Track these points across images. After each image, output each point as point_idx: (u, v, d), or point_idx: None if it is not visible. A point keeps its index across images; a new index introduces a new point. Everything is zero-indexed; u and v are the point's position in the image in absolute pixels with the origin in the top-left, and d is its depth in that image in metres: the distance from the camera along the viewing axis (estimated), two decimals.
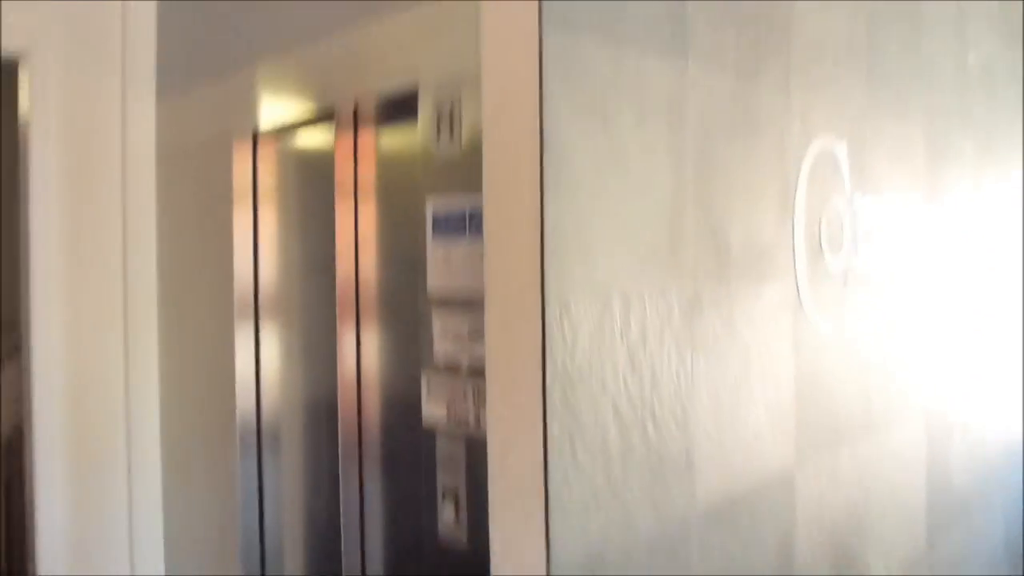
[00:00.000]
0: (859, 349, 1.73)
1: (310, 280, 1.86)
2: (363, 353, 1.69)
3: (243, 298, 1.93)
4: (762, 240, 1.46)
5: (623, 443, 1.20)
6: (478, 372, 1.31)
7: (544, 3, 1.10)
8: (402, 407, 1.62)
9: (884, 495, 1.83)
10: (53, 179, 2.02)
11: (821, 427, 1.62)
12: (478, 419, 1.32)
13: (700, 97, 1.33)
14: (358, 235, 1.71)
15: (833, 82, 1.63)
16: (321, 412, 1.81)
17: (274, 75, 1.79)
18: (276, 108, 1.79)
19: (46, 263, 2.02)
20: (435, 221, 1.39)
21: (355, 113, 1.71)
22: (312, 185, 1.87)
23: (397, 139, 1.67)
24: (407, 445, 1.55)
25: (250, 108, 1.85)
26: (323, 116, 1.71)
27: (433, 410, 1.40)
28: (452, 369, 1.36)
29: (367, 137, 1.72)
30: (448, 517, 1.38)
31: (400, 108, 1.60)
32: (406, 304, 1.58)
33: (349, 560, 1.70)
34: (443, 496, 1.39)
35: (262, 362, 1.94)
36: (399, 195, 1.65)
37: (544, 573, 1.10)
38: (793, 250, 1.53)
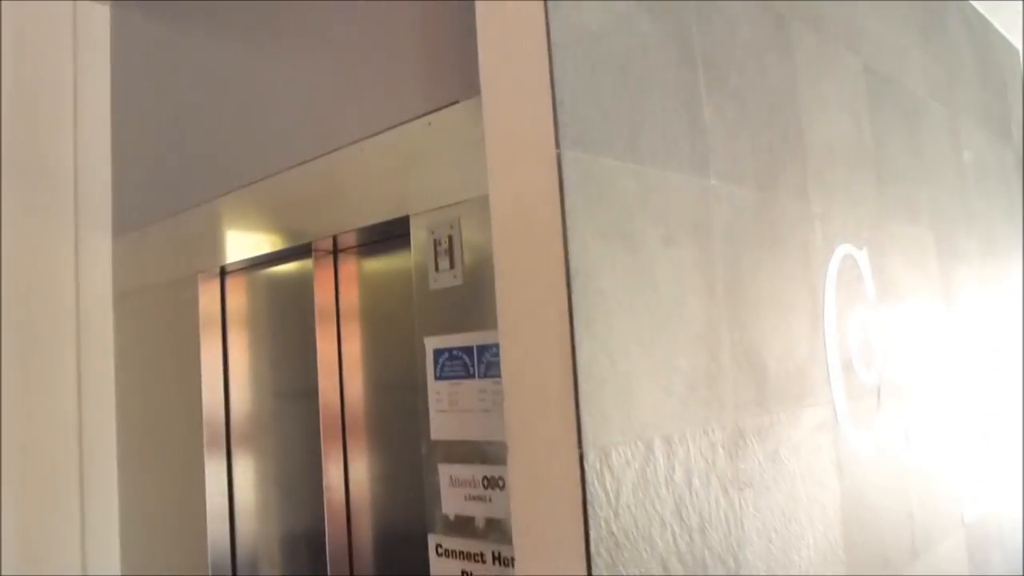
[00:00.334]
0: (897, 466, 1.59)
1: (286, 409, 1.69)
2: (352, 487, 1.51)
3: (213, 431, 1.75)
4: (797, 358, 1.33)
5: None
6: (498, 529, 1.14)
7: (560, 118, 0.99)
8: (400, 552, 1.44)
9: None
10: (4, 323, 1.85)
11: (870, 557, 1.46)
12: None
13: (724, 211, 1.22)
14: (342, 362, 1.56)
15: (847, 187, 1.55)
16: (305, 546, 1.61)
17: (241, 210, 1.66)
18: (244, 244, 1.65)
19: None
20: (438, 362, 1.24)
21: (334, 246, 1.59)
22: (287, 315, 1.72)
23: (384, 270, 1.54)
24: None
25: (215, 244, 1.72)
26: (298, 251, 1.57)
27: (444, 571, 1.22)
28: (465, 525, 1.19)
29: (349, 269, 1.59)
30: None
31: (386, 237, 1.48)
32: (402, 441, 1.42)
33: None
34: None
35: (235, 494, 1.74)
36: (388, 326, 1.51)
37: None
38: (827, 367, 1.41)
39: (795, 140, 1.42)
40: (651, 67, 1.14)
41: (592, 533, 0.94)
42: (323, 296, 1.57)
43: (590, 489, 0.95)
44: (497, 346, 1.15)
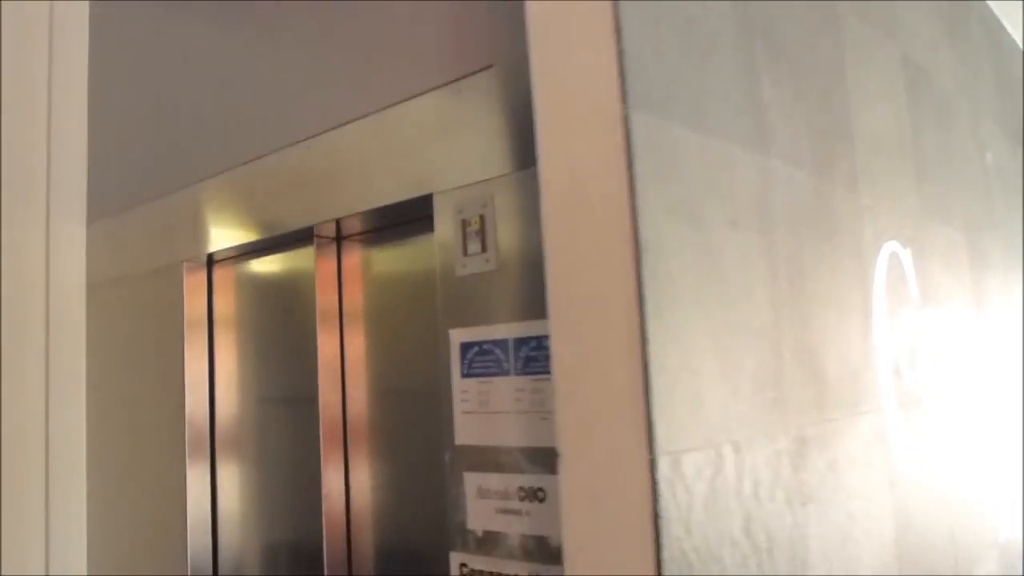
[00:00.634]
0: (940, 481, 1.48)
1: (280, 415, 1.54)
2: (353, 502, 1.37)
3: (196, 437, 1.59)
4: (852, 361, 1.22)
5: None
6: (537, 548, 1.01)
7: (627, 71, 0.87)
8: (410, 570, 1.30)
9: None
10: None
11: None
12: None
13: (785, 195, 1.11)
14: (344, 365, 1.42)
15: (891, 181, 1.45)
16: (298, 560, 1.46)
17: (232, 193, 1.52)
18: (235, 230, 1.51)
19: None
20: (465, 357, 1.11)
21: (338, 232, 1.45)
22: (284, 310, 1.57)
23: (397, 258, 1.41)
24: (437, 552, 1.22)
25: (202, 231, 1.57)
26: (297, 238, 1.43)
27: None
28: (496, 542, 1.05)
29: (355, 257, 1.45)
30: None
31: (401, 221, 1.34)
32: (412, 450, 1.29)
33: None
34: None
35: (219, 502, 1.59)
36: (400, 322, 1.37)
37: None
38: (877, 372, 1.30)
39: (844, 126, 1.32)
40: (713, 29, 1.02)
41: (664, 553, 0.81)
42: (325, 288, 1.43)
43: (662, 502, 0.82)
44: (538, 339, 1.02)
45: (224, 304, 1.65)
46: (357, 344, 1.43)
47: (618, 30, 0.86)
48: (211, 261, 1.64)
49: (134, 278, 1.74)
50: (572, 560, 0.88)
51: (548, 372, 1.02)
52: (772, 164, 1.09)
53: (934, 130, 1.70)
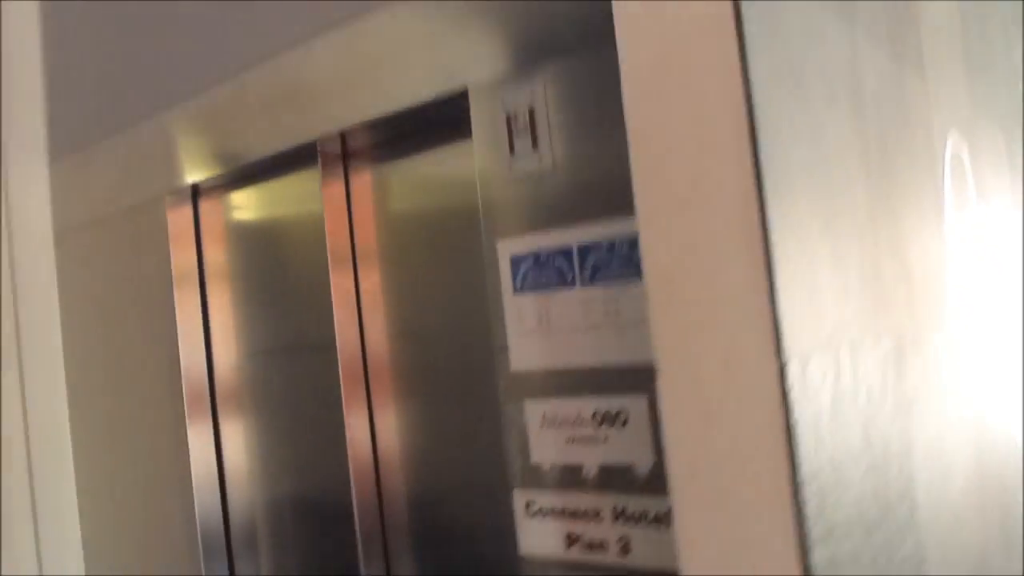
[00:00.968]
0: (999, 394, 1.40)
1: (288, 363, 1.40)
2: (380, 445, 1.25)
3: (194, 389, 1.45)
4: (931, 263, 1.12)
5: (873, 557, 0.81)
6: (620, 478, 0.89)
7: None
8: (469, 518, 1.18)
9: None
10: None
11: (997, 506, 1.27)
12: (627, 547, 0.90)
13: (870, 76, 0.99)
14: (361, 302, 1.29)
15: (949, 68, 1.34)
16: (322, 510, 1.35)
17: (216, 113, 1.35)
18: (222, 154, 1.35)
19: None
20: (519, 271, 0.98)
21: (343, 147, 1.30)
22: (283, 246, 1.42)
23: (415, 174, 1.26)
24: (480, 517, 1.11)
25: (183, 158, 1.40)
26: (297, 156, 1.28)
27: (537, 540, 0.97)
28: (568, 476, 0.94)
29: (367, 175, 1.31)
30: None
31: (424, 127, 1.20)
32: (444, 385, 1.17)
33: None
34: None
35: (226, 458, 1.46)
36: (424, 247, 1.23)
37: None
38: (951, 275, 1.20)
39: (912, 10, 1.19)
40: None
41: (801, 472, 0.70)
42: (335, 215, 1.28)
43: (795, 413, 0.71)
44: (609, 243, 0.89)
45: (214, 242, 1.50)
46: (374, 278, 1.29)
47: None
48: (196, 193, 1.48)
49: (109, 219, 1.57)
50: (682, 488, 0.76)
51: (621, 279, 0.90)
52: (858, 39, 0.96)
53: (972, 19, 1.58)
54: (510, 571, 1.07)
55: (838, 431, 0.78)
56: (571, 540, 0.94)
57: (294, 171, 1.37)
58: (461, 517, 1.17)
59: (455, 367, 1.16)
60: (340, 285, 1.26)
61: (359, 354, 1.27)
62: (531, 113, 0.96)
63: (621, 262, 0.89)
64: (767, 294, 0.71)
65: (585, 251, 0.92)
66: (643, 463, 0.88)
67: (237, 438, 1.47)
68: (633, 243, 0.88)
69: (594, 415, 0.92)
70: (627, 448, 0.89)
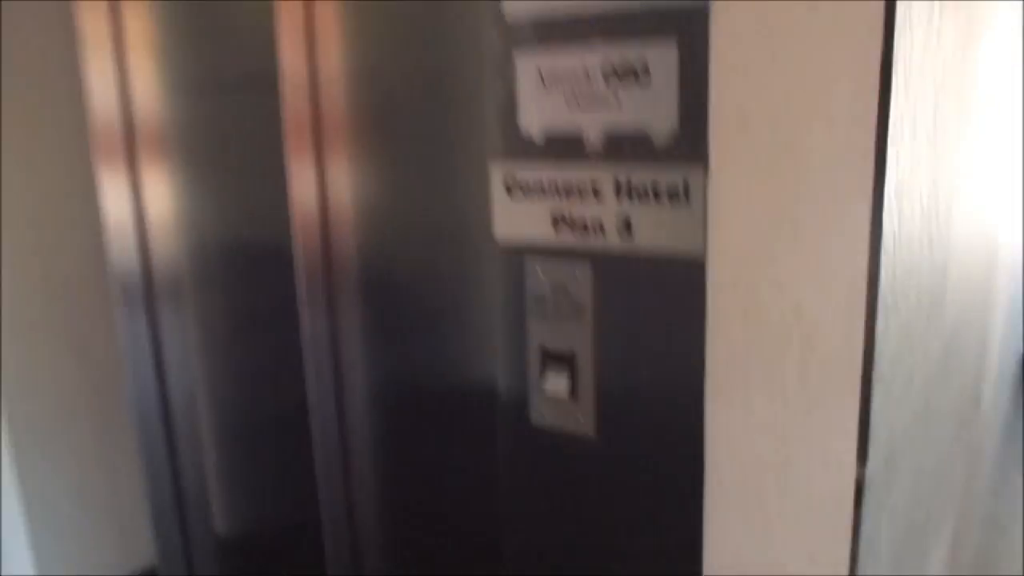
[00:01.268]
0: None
1: (224, 102, 1.18)
2: (330, 197, 1.07)
3: (105, 129, 1.22)
4: None
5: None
6: (632, 146, 0.75)
7: None
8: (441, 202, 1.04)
9: None
10: None
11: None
12: (628, 227, 0.78)
13: None
14: (313, 30, 1.04)
15: None
16: (260, 261, 1.19)
17: None
18: None
19: None
20: None
21: None
22: None
23: None
24: (452, 269, 0.99)
25: None
26: None
27: (517, 222, 0.84)
28: (562, 146, 0.79)
29: None
30: (556, 388, 0.85)
31: None
32: (418, 122, 0.98)
33: (326, 436, 1.15)
34: (545, 361, 0.86)
35: (147, 207, 1.26)
36: None
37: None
38: None
39: None
40: None
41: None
42: None
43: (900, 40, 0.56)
44: None
45: None
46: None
47: None
48: None
49: None
50: (720, 159, 0.63)
51: None
52: None
53: None
54: (466, 311, 0.95)
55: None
56: (560, 222, 0.81)
57: None
58: (417, 268, 1.03)
59: (422, 108, 0.97)
60: (288, 9, 1.01)
61: (308, 93, 1.04)
62: None
63: None
64: None
65: None
66: (661, 128, 0.74)
67: (161, 184, 1.26)
68: None
69: (604, 69, 0.76)
70: (642, 110, 0.74)
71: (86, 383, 1.52)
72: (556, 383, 0.85)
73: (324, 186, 1.06)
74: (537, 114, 0.80)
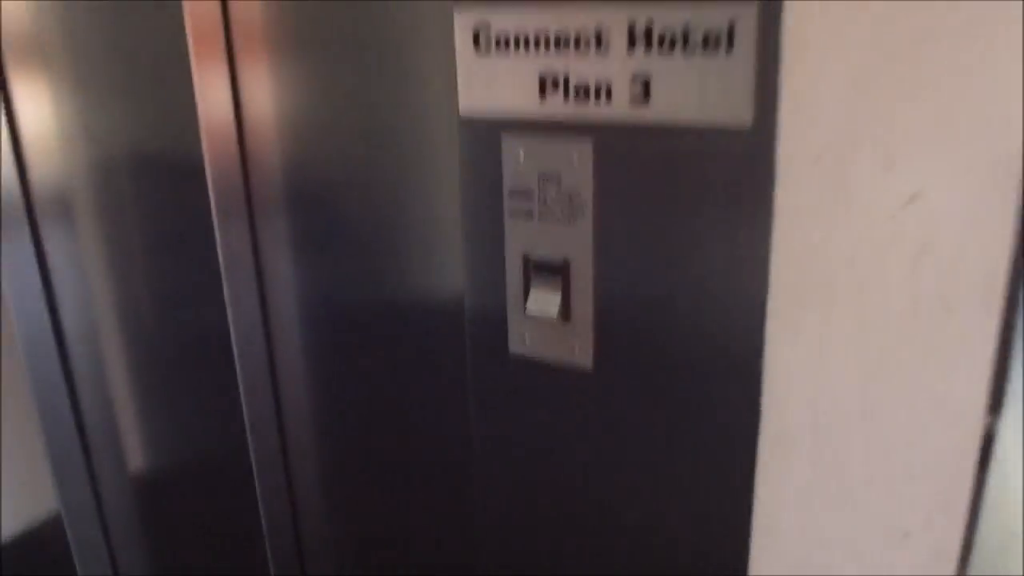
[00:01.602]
0: None
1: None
2: (245, 108, 0.82)
3: None
4: None
5: None
6: None
7: None
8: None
9: None
10: None
11: None
12: (645, 90, 0.57)
13: None
14: None
15: None
16: (164, 174, 0.95)
17: None
18: None
19: None
20: None
21: None
22: None
23: None
24: (401, 162, 0.77)
25: None
26: None
27: (490, 91, 0.63)
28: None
29: None
30: (543, 308, 0.66)
31: None
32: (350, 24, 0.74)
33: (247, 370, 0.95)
34: (529, 273, 0.66)
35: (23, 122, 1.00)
36: None
37: None
38: None
39: None
40: None
41: None
42: None
43: None
44: None
45: None
46: None
47: None
48: None
49: None
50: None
51: None
52: None
53: None
54: (422, 213, 0.74)
55: None
56: (550, 86, 0.60)
57: None
58: (358, 166, 0.79)
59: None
60: None
61: None
62: None
63: None
64: None
65: None
66: None
67: (39, 96, 0.99)
68: None
69: None
70: None
71: None
72: (543, 301, 0.65)
73: (237, 88, 0.83)
74: None
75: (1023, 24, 0.42)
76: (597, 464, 0.66)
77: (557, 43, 0.59)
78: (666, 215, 0.59)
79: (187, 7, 0.78)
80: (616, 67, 0.57)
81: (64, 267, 1.06)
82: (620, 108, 0.58)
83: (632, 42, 0.56)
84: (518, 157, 0.63)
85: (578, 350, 0.65)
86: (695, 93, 0.55)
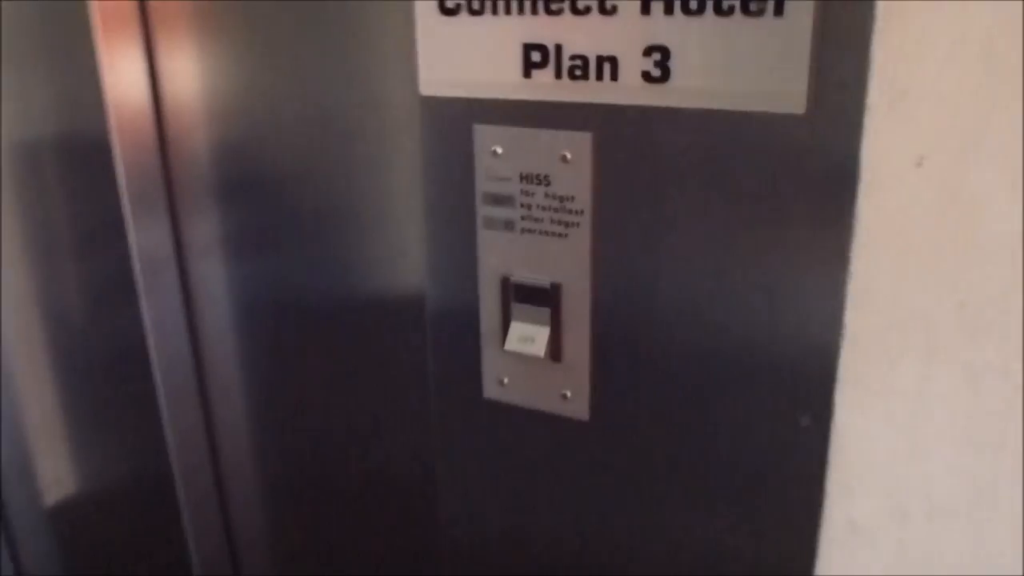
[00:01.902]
0: None
1: None
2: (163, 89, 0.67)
3: None
4: None
5: None
6: None
7: None
8: None
9: None
10: None
11: None
12: (663, 65, 0.43)
13: None
14: None
15: None
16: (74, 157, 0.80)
17: None
18: None
19: None
20: None
21: None
22: None
23: None
24: (345, 153, 0.63)
25: None
26: None
27: (451, 61, 0.48)
28: None
29: None
30: (527, 344, 0.52)
31: None
32: None
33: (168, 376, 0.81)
34: (509, 299, 0.52)
35: None
36: None
37: None
38: None
39: None
40: None
41: None
42: None
43: None
44: None
45: None
46: None
47: None
48: None
49: None
50: None
51: None
52: None
53: None
54: (374, 217, 0.59)
55: None
56: (537, 60, 0.46)
57: None
58: (286, 172, 0.64)
59: None
60: None
61: None
62: None
63: None
64: None
65: None
66: None
67: None
68: None
69: None
70: None
71: None
72: (527, 336, 0.51)
73: (154, 61, 0.67)
74: None
75: None
76: (593, 540, 0.53)
77: (549, 5, 0.44)
78: (687, 230, 0.45)
79: None
80: (625, 35, 0.43)
81: None
82: (629, 89, 0.44)
83: (647, 5, 0.42)
84: (495, 152, 0.49)
85: (571, 397, 0.52)
86: (730, 69, 0.41)
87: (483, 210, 0.50)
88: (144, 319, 0.77)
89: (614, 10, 0.43)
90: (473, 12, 0.46)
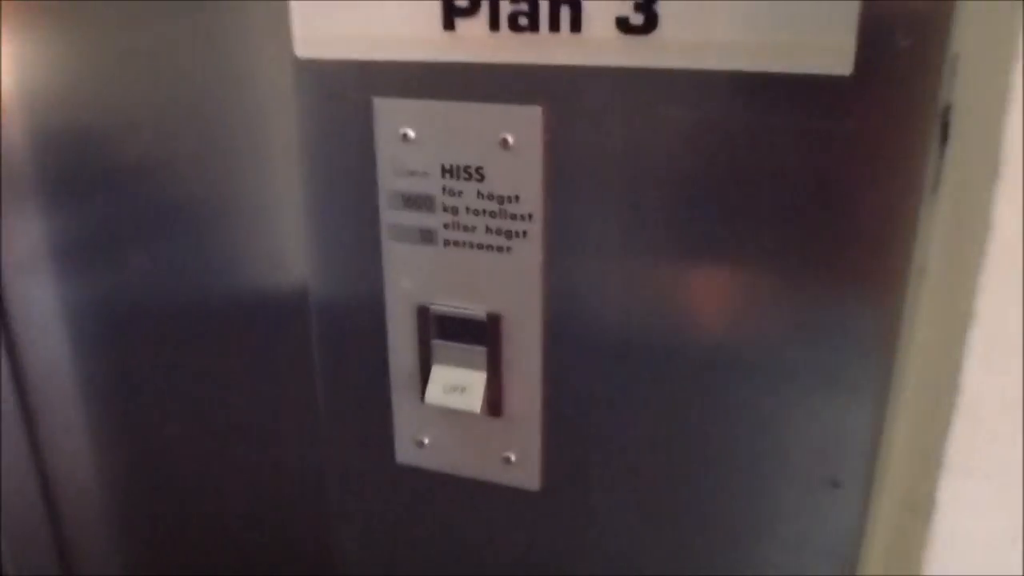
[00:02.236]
0: None
1: None
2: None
3: None
4: None
5: None
6: None
7: None
8: None
9: None
10: None
11: None
12: (649, 9, 0.30)
13: None
14: None
15: None
16: None
17: None
18: None
19: None
20: None
21: None
22: None
23: None
24: (200, 144, 0.47)
25: None
26: None
27: (337, 15, 0.33)
28: None
29: None
30: (455, 396, 0.38)
31: None
32: None
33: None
34: (430, 337, 0.38)
35: None
36: None
37: None
38: None
39: None
40: None
41: None
42: None
43: None
44: None
45: None
46: None
47: None
48: None
49: None
50: None
51: None
52: None
53: None
54: (246, 217, 0.44)
55: None
56: (461, 9, 0.32)
57: None
58: (136, 162, 0.48)
59: None
60: None
61: None
62: None
63: None
64: None
65: None
66: None
67: None
68: None
69: None
70: None
71: None
72: (454, 384, 0.38)
73: None
74: None
75: None
76: None
77: None
78: (675, 242, 0.32)
79: None
80: None
81: None
82: (598, 44, 0.31)
83: None
84: (405, 135, 0.35)
85: (516, 461, 0.39)
86: (742, 13, 0.29)
87: (390, 216, 0.36)
88: None
89: None
90: None
